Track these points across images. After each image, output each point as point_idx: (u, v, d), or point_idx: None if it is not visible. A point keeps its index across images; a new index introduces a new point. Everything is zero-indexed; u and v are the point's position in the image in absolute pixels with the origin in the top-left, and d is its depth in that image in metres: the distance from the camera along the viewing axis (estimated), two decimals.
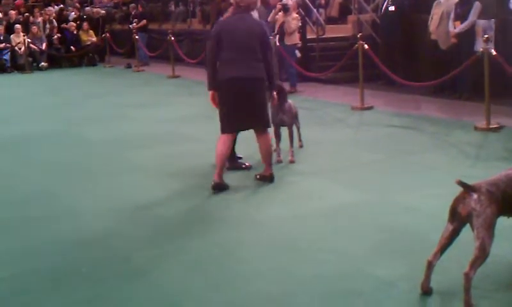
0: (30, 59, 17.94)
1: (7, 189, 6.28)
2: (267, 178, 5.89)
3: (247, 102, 5.62)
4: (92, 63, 18.98)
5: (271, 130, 6.02)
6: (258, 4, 9.06)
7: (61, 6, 22.60)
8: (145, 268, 4.19)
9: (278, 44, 11.55)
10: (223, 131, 5.74)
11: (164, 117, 9.47)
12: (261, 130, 5.77)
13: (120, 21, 21.51)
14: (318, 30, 13.53)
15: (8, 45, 17.83)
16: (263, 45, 5.66)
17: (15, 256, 4.50)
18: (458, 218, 3.37)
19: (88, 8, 21.70)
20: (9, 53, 17.81)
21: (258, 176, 5.97)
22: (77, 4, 23.44)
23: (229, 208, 5.35)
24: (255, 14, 14.64)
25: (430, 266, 3.46)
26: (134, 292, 3.82)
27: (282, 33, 11.69)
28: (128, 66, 17.59)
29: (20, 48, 17.75)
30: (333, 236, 4.56)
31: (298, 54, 12.08)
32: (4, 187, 6.38)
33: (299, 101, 10.80)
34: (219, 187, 5.67)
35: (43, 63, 18.15)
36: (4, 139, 8.72)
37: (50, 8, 21.17)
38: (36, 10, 21.11)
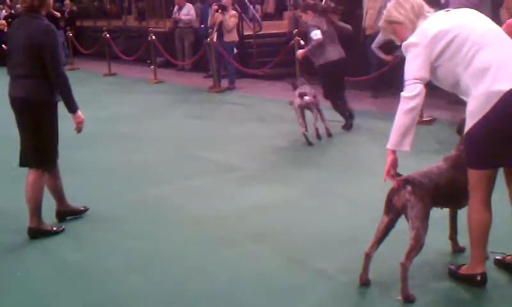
0: None
1: None
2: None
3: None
4: None
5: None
6: None
7: None
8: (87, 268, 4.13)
9: (216, 41, 11.55)
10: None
11: (101, 115, 9.36)
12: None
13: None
14: (255, 26, 13.61)
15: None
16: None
17: None
18: (393, 209, 3.46)
19: (18, 6, 21.06)
20: None
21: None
22: (8, 2, 22.74)
23: (162, 204, 5.34)
24: (191, 10, 14.53)
25: (367, 258, 3.55)
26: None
27: (220, 30, 11.69)
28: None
29: None
30: (271, 231, 4.60)
31: (235, 50, 12.10)
32: None
33: (237, 97, 10.91)
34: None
35: None
36: None
37: None
38: None
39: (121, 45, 16.35)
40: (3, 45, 17.98)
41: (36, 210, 4.65)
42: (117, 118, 9.35)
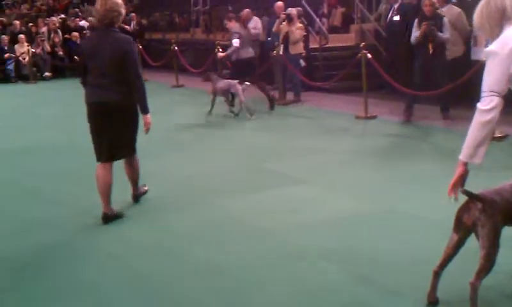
0: (34, 69, 18.02)
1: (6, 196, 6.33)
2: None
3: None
4: None
5: None
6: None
7: (64, 16, 22.66)
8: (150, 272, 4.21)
9: (282, 54, 11.62)
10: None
11: (168, 125, 9.53)
12: None
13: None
14: (321, 39, 13.60)
15: (12, 55, 17.93)
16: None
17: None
18: (463, 228, 3.37)
19: (90, 18, 21.74)
20: (13, 63, 17.90)
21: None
22: (80, 14, 23.53)
23: (227, 217, 5.38)
24: (258, 24, 14.83)
25: (436, 276, 3.47)
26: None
27: (286, 43, 11.73)
28: None
29: (24, 58, 17.84)
30: (337, 246, 4.56)
31: (303, 63, 12.11)
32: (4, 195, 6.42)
33: (303, 110, 10.90)
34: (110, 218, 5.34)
35: (47, 73, 18.24)
36: (7, 149, 8.74)
37: (53, 18, 21.26)
38: (40, 20, 21.19)
39: (188, 58, 16.62)
40: (75, 57, 18.67)
41: (138, 182, 5.65)
42: (184, 128, 9.50)
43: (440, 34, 8.83)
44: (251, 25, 14.85)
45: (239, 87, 9.99)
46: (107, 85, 5.11)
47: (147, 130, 5.35)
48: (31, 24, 20.45)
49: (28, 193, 6.52)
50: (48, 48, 18.55)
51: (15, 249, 4.89)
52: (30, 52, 17.74)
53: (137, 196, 5.80)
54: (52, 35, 19.10)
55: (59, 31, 19.42)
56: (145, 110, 5.27)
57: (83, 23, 20.90)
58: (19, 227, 5.42)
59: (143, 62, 17.10)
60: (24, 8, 26.94)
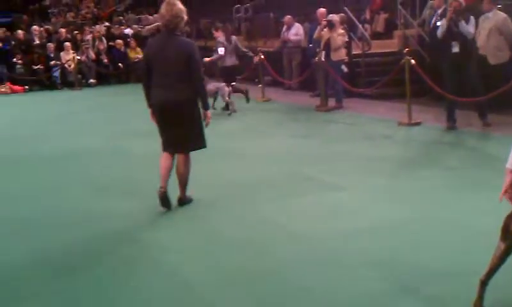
0: (79, 76, 18.35)
1: (53, 199, 6.44)
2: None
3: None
4: (139, 80, 19.20)
5: None
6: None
7: (108, 24, 23.05)
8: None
9: (323, 60, 11.58)
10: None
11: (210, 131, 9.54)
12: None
13: None
14: (363, 45, 13.51)
15: (58, 62, 18.30)
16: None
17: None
18: (511, 236, 3.28)
19: (135, 26, 22.07)
20: (59, 70, 18.27)
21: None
22: (124, 22, 23.89)
23: (268, 222, 5.36)
24: (299, 30, 14.80)
25: (482, 285, 3.38)
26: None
27: (328, 49, 11.69)
28: None
29: (69, 66, 18.19)
30: (378, 253, 4.49)
31: (345, 69, 12.04)
32: (51, 198, 6.53)
33: (344, 116, 10.82)
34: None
35: (92, 80, 18.56)
36: (53, 154, 8.90)
37: (98, 26, 21.64)
38: (85, 28, 21.59)
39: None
40: (119, 64, 18.95)
41: (186, 185, 5.86)
42: (225, 135, 9.52)
43: (463, 23, 8.72)
44: (292, 31, 14.92)
45: (226, 89, 11.63)
46: (171, 85, 5.54)
47: (208, 124, 5.75)
48: (76, 32, 20.84)
49: (81, 195, 6.63)
50: (93, 55, 18.86)
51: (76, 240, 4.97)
52: (75, 59, 18.08)
53: (182, 200, 5.92)
54: (96, 43, 19.42)
55: (103, 38, 19.73)
56: (206, 106, 5.74)
57: (127, 31, 21.20)
58: (79, 218, 5.51)
59: None
60: (70, 16, 27.53)
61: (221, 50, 12.12)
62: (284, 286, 4.06)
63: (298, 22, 15.23)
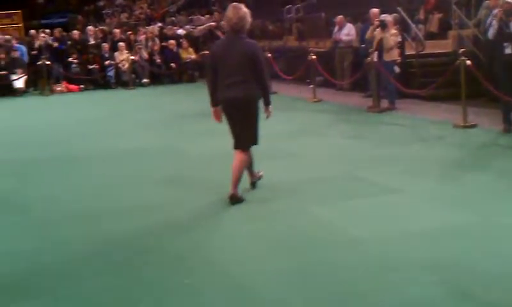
0: (133, 75, 18.66)
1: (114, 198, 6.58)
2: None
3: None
4: (191, 80, 19.49)
5: None
6: None
7: (161, 24, 23.34)
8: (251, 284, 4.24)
9: (376, 60, 11.49)
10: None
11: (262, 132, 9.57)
12: None
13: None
14: (417, 46, 13.33)
15: (112, 62, 18.66)
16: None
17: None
18: None
19: (187, 27, 22.29)
20: (113, 70, 18.62)
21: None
22: (176, 22, 24.14)
23: (321, 224, 5.34)
24: (351, 30, 14.79)
25: None
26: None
27: (381, 50, 11.58)
28: None
29: (123, 65, 18.51)
30: (436, 258, 4.43)
31: (398, 69, 11.90)
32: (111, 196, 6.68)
33: (397, 118, 10.71)
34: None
35: (145, 80, 18.84)
36: (108, 153, 9.09)
37: (152, 27, 21.95)
38: (139, 28, 21.93)
39: (281, 65, 16.70)
40: (172, 64, 19.18)
41: (239, 180, 6.06)
42: (276, 135, 9.52)
43: None
44: (344, 31, 14.83)
45: None
46: (237, 83, 5.84)
47: (268, 116, 6.10)
48: (129, 32, 21.18)
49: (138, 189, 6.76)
50: (146, 55, 19.15)
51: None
52: (129, 59, 18.40)
53: (234, 197, 6.04)
54: (150, 43, 19.70)
55: (156, 38, 20.00)
56: (268, 102, 6.07)
57: (180, 31, 21.43)
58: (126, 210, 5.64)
59: None
60: (124, 17, 27.99)
61: None
62: (337, 290, 4.04)
63: (350, 22, 15.14)
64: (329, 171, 7.21)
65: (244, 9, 5.95)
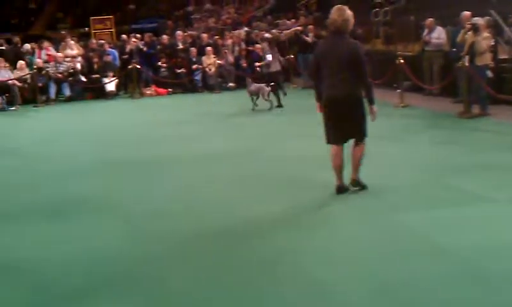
0: (219, 79, 18.90)
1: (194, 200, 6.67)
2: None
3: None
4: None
5: None
6: None
7: (247, 28, 23.53)
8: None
9: (467, 65, 11.11)
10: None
11: None
12: None
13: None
14: (511, 50, 12.80)
15: (199, 66, 18.98)
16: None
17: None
18: None
19: (273, 31, 22.36)
20: (200, 74, 18.93)
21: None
22: (263, 26, 24.27)
23: (410, 232, 5.20)
24: (441, 34, 14.31)
25: None
26: None
27: (472, 53, 11.19)
28: (311, 87, 17.82)
29: (210, 69, 18.80)
30: None
31: (490, 74, 11.47)
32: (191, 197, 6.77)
33: (490, 124, 10.31)
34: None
35: (230, 84, 19.05)
36: (196, 154, 9.22)
37: (238, 31, 22.17)
38: (226, 33, 22.20)
39: (368, 68, 16.39)
40: (257, 66, 19.28)
41: (358, 169, 6.48)
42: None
43: None
44: (434, 34, 14.44)
45: (266, 89, 13.59)
46: (340, 81, 6.14)
47: (374, 118, 6.33)
48: (217, 37, 21.48)
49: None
50: (232, 59, 19.36)
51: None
52: (216, 63, 18.66)
53: (356, 181, 6.50)
54: (236, 47, 19.91)
55: (242, 43, 20.18)
56: (372, 101, 6.30)
57: (267, 35, 21.51)
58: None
59: None
60: (211, 22, 28.42)
61: (269, 57, 14.52)
62: (424, 301, 3.92)
63: (440, 25, 14.73)
64: (419, 178, 7.04)
65: (348, 11, 6.22)
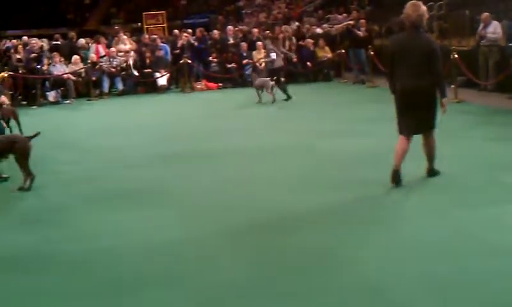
0: None
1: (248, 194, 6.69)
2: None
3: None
4: (327, 79, 19.44)
5: None
6: None
7: (298, 23, 23.45)
8: None
9: None
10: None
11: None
12: None
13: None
14: None
15: (250, 61, 19.02)
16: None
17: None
18: None
19: (324, 25, 22.26)
20: (250, 68, 18.97)
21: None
22: (313, 21, 24.17)
23: (463, 231, 5.11)
24: (497, 28, 13.89)
25: None
26: None
27: None
28: (362, 82, 17.69)
29: (260, 64, 18.80)
30: None
31: None
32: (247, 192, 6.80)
33: None
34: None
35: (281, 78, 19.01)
36: (247, 148, 9.26)
37: (289, 26, 22.12)
38: (276, 28, 22.18)
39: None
40: (308, 62, 19.23)
41: (433, 158, 6.78)
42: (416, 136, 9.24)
43: None
44: (489, 29, 14.10)
45: (270, 83, 14.49)
46: (414, 74, 6.34)
47: (444, 111, 6.53)
48: (267, 32, 21.47)
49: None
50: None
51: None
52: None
53: (431, 171, 6.79)
54: (287, 42, 19.87)
55: (293, 38, 20.14)
56: (444, 95, 6.49)
57: (319, 30, 21.44)
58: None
59: (373, 67, 17.08)
60: (262, 17, 28.45)
61: (273, 55, 15.26)
62: (486, 301, 3.85)
63: (496, 19, 14.37)
64: (472, 175, 6.90)
65: (423, 7, 6.40)
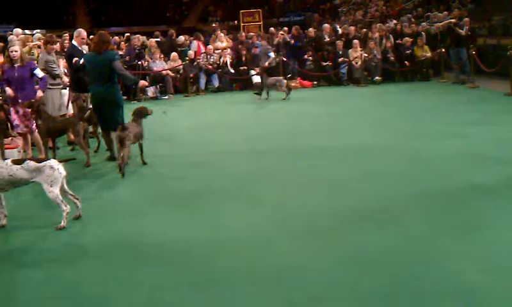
0: (365, 72, 18.67)
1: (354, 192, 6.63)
2: None
3: None
4: (425, 78, 18.96)
5: None
6: None
7: (396, 21, 23.00)
8: None
9: None
10: None
11: (500, 136, 8.99)
12: None
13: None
14: None
15: (345, 59, 18.85)
16: None
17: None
18: None
19: (423, 23, 21.70)
20: (346, 67, 18.81)
21: None
22: (413, 20, 23.63)
23: None
24: None
25: None
26: None
27: None
28: (462, 82, 17.12)
29: (356, 63, 18.60)
30: None
31: None
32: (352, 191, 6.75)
33: None
34: None
35: (377, 77, 18.73)
36: (343, 149, 9.17)
37: (387, 24, 21.73)
38: (373, 26, 21.86)
39: None
40: (406, 61, 18.80)
41: None
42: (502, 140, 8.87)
43: None
44: None
45: (284, 81, 15.69)
46: None
47: None
48: (364, 30, 21.21)
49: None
50: (379, 53, 19.03)
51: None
52: (362, 56, 18.42)
53: None
54: (384, 40, 19.54)
55: (391, 36, 19.77)
56: None
57: (419, 27, 20.93)
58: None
59: (476, 68, 16.49)
60: (359, 15, 28.15)
61: (271, 54, 17.14)
62: None
63: None
64: None
65: None
